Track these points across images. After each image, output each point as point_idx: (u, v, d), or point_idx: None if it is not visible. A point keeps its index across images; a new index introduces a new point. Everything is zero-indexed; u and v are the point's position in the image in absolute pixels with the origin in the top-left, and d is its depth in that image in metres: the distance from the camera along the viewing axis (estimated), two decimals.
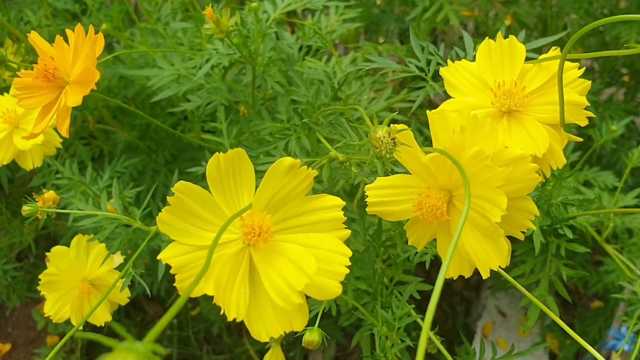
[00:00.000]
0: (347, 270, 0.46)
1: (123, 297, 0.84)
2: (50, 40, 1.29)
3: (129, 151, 1.43)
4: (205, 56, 0.89)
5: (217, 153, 0.47)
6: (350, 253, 0.47)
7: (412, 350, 0.87)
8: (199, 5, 1.01)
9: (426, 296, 0.87)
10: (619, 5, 1.67)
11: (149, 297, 1.89)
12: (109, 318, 0.83)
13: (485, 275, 0.52)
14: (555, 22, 1.57)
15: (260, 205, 0.48)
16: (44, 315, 0.84)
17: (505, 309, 1.89)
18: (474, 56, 0.77)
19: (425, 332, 0.31)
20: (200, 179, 1.16)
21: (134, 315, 1.91)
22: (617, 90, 1.73)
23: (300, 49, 1.12)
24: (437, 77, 0.80)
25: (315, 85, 0.94)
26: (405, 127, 0.53)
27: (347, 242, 0.49)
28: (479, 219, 0.51)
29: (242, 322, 1.53)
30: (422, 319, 0.85)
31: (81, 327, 0.85)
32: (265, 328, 0.47)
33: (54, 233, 1.62)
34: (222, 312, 0.44)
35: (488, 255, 0.52)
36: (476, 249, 0.52)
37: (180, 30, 1.20)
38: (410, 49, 1.49)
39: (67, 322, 1.87)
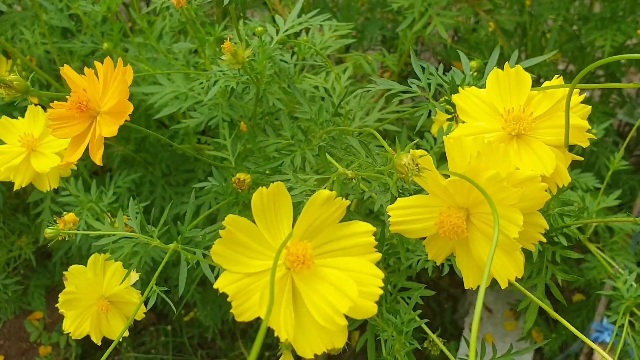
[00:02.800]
0: (382, 291, 0.51)
1: (140, 312, 0.87)
2: (47, 58, 1.30)
3: (125, 164, 1.45)
4: (212, 78, 0.92)
5: (260, 188, 0.50)
6: (382, 275, 0.51)
7: (418, 352, 0.92)
8: (198, 24, 1.04)
9: (423, 303, 0.92)
10: (593, 9, 1.74)
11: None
12: (126, 333, 0.86)
13: (503, 285, 0.57)
14: (535, 27, 1.64)
15: (299, 233, 0.52)
16: (64, 332, 0.86)
17: (491, 305, 1.96)
18: (471, 74, 0.82)
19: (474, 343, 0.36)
20: (204, 193, 1.19)
21: None
22: (593, 92, 1.81)
23: (296, 65, 1.15)
24: (436, 96, 0.85)
25: (318, 103, 0.98)
26: (425, 152, 0.58)
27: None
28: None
29: (235, 326, 1.56)
30: (426, 324, 0.90)
31: (99, 342, 0.89)
32: (309, 346, 0.51)
33: (50, 247, 1.64)
34: (275, 335, 0.48)
35: (506, 268, 0.57)
36: (495, 262, 0.57)
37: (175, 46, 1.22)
38: (398, 58, 1.54)
39: (61, 333, 1.87)
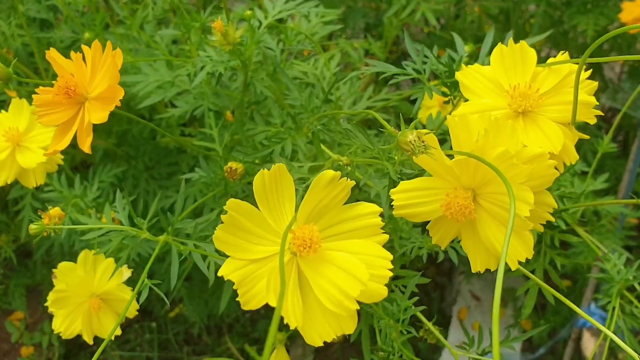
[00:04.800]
0: (391, 274, 0.49)
1: (132, 309, 0.84)
2: (25, 51, 1.26)
3: (107, 158, 1.41)
4: (199, 63, 0.89)
5: (261, 170, 0.48)
6: (391, 257, 0.50)
7: (411, 342, 0.90)
8: (185, 12, 1.01)
9: (416, 288, 0.91)
10: None
11: None
12: (118, 332, 0.83)
13: (513, 267, 0.56)
14: (518, 13, 1.63)
15: (304, 216, 0.50)
16: (51, 333, 0.83)
17: (479, 293, 1.96)
18: (465, 58, 0.81)
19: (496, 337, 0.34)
20: (191, 185, 1.16)
21: None
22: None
23: (282, 52, 1.13)
24: (431, 78, 0.83)
25: (308, 89, 0.95)
26: (429, 131, 0.56)
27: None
28: (505, 214, 0.54)
29: (222, 322, 1.53)
30: (421, 312, 0.89)
31: (92, 341, 0.86)
32: (318, 333, 0.49)
33: (30, 245, 1.59)
34: (285, 322, 0.46)
35: (515, 248, 0.55)
36: (503, 243, 0.55)
37: (158, 37, 1.19)
38: (383, 45, 1.52)
39: (43, 333, 1.83)
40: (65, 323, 0.83)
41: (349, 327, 0.48)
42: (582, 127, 1.69)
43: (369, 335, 0.94)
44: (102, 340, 0.85)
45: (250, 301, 0.47)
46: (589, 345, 1.49)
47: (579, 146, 1.67)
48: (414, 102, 0.86)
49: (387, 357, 0.83)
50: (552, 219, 0.57)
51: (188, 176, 0.99)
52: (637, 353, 1.13)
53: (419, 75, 0.80)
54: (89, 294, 0.84)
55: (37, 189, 1.24)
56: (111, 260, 0.83)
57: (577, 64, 0.57)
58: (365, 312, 0.89)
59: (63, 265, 0.83)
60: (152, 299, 1.71)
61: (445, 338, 1.95)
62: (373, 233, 0.52)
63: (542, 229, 0.58)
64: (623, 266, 1.13)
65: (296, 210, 0.50)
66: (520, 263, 0.75)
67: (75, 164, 1.58)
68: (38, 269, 1.71)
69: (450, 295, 2.02)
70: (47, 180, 1.05)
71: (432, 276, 2.08)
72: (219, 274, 0.47)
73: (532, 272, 0.85)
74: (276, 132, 0.93)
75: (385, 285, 0.94)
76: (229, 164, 0.82)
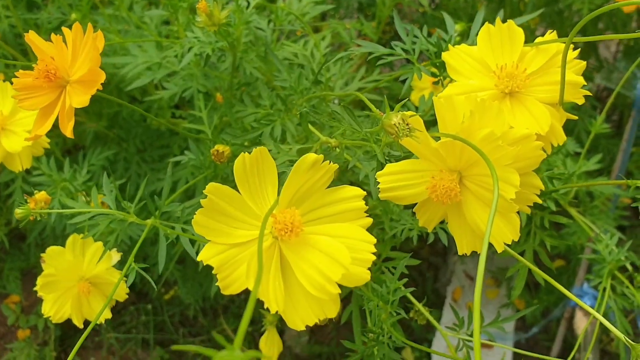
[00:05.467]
0: (374, 257, 0.49)
1: (122, 293, 0.84)
2: (12, 32, 1.24)
3: (98, 141, 1.40)
4: (187, 45, 0.88)
5: (242, 153, 0.48)
6: (374, 240, 0.49)
7: (401, 323, 0.91)
8: None
9: (405, 273, 0.91)
10: None
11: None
12: (109, 315, 0.83)
13: (500, 249, 0.55)
14: None
15: (286, 200, 0.49)
16: (43, 316, 0.83)
17: (473, 272, 1.96)
18: (455, 37, 0.80)
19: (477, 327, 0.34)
20: (181, 168, 1.15)
21: None
22: None
23: (273, 32, 1.11)
24: (421, 59, 0.82)
25: (297, 70, 0.94)
26: (414, 113, 0.55)
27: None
28: (491, 197, 0.53)
29: (217, 303, 1.53)
30: (412, 294, 0.89)
31: (82, 325, 0.85)
32: (300, 317, 0.48)
33: (23, 228, 1.59)
34: (265, 307, 0.45)
35: (502, 231, 0.55)
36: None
37: (148, 17, 1.18)
38: (376, 26, 1.51)
39: (39, 316, 1.83)
40: (55, 307, 0.83)
41: (332, 311, 0.48)
42: (577, 106, 1.69)
43: (359, 316, 0.94)
44: (97, 322, 0.85)
45: (230, 286, 0.47)
46: (582, 324, 1.49)
47: (573, 126, 1.67)
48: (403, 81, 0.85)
49: (376, 339, 0.84)
50: (539, 201, 0.57)
51: (177, 159, 0.98)
52: (627, 333, 1.14)
53: (408, 56, 0.79)
54: (78, 278, 0.83)
55: (28, 172, 1.23)
56: (100, 244, 0.83)
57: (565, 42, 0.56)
58: (356, 293, 0.89)
59: (52, 250, 0.83)
60: (147, 281, 1.72)
61: (439, 318, 1.96)
62: (357, 217, 0.51)
63: (529, 211, 0.58)
64: (615, 246, 1.13)
65: (279, 194, 0.50)
66: (510, 244, 0.76)
67: (67, 147, 1.57)
68: (32, 252, 1.71)
69: (444, 275, 2.03)
70: (36, 164, 1.04)
71: (426, 256, 2.09)
72: (198, 258, 0.47)
73: (522, 253, 0.85)
74: (265, 114, 0.92)
75: (374, 267, 0.94)
76: (216, 146, 0.81)
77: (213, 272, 0.46)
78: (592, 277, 1.22)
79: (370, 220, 0.51)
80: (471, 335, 0.88)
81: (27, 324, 1.85)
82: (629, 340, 0.55)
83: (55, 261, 0.82)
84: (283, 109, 0.91)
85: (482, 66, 0.61)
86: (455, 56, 0.62)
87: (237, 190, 0.49)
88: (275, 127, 0.89)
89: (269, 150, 0.81)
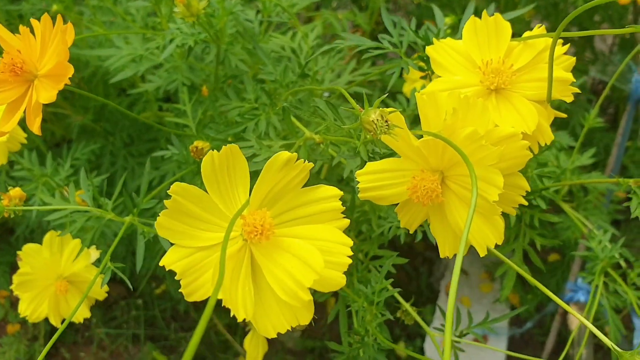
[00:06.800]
0: (350, 260, 0.46)
1: (101, 292, 0.82)
2: None
3: (84, 135, 1.37)
4: (169, 36, 0.86)
5: (211, 151, 0.45)
6: (351, 243, 0.47)
7: (388, 324, 0.89)
8: None
9: (399, 268, 0.89)
10: None
11: (112, 279, 1.85)
12: (88, 314, 0.81)
13: (482, 253, 0.53)
14: None
15: (257, 201, 0.47)
16: (20, 316, 0.81)
17: (467, 267, 1.94)
18: (445, 30, 0.78)
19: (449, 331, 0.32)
20: (167, 162, 1.13)
21: None
22: (568, 50, 1.77)
23: (261, 23, 1.09)
24: (409, 52, 0.80)
25: (283, 63, 0.92)
26: (395, 109, 0.53)
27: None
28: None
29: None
30: (399, 293, 0.87)
31: (59, 324, 0.83)
32: (272, 324, 0.46)
33: (10, 222, 1.57)
34: (231, 314, 0.43)
35: (484, 234, 0.53)
36: (473, 228, 0.53)
37: (134, 8, 1.15)
38: (369, 17, 1.48)
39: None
40: (32, 306, 0.81)
41: (305, 318, 0.46)
42: (572, 100, 1.66)
43: (346, 316, 0.92)
44: (87, 318, 0.83)
45: (194, 292, 0.44)
46: (575, 319, 1.48)
47: (567, 120, 1.65)
48: (401, 75, 0.82)
49: (361, 340, 0.82)
50: (525, 202, 0.54)
51: (160, 154, 0.96)
52: (620, 332, 1.12)
53: (395, 49, 0.77)
54: (56, 277, 0.81)
55: (12, 166, 1.20)
56: (77, 241, 0.81)
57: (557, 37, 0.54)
58: (341, 293, 0.86)
59: (28, 247, 0.81)
60: (138, 276, 1.70)
61: (433, 313, 1.94)
62: (333, 218, 0.49)
63: (514, 212, 0.56)
64: (608, 242, 1.12)
65: (251, 194, 0.48)
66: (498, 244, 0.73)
67: (56, 141, 1.54)
68: (20, 246, 1.68)
69: (438, 270, 2.01)
70: (17, 158, 1.02)
71: (421, 251, 2.07)
72: (161, 263, 0.44)
73: (512, 252, 0.83)
74: (250, 108, 0.90)
75: (362, 265, 0.92)
76: (195, 142, 0.79)
77: (176, 277, 0.44)
78: (584, 274, 1.20)
79: (347, 222, 0.49)
80: (459, 336, 0.87)
81: (16, 319, 1.83)
82: (617, 349, 0.53)
83: (32, 259, 0.80)
84: (268, 103, 0.89)
85: (467, 61, 0.59)
86: (440, 50, 0.59)
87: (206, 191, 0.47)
88: (260, 121, 0.87)
89: (251, 147, 0.79)
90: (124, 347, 1.86)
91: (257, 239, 0.45)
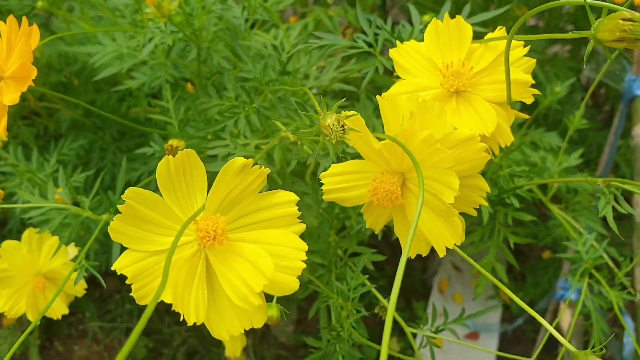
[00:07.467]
0: (304, 265, 0.47)
1: (80, 288, 0.82)
2: None
3: (74, 129, 1.38)
4: (148, 35, 0.86)
5: (165, 156, 0.45)
6: (306, 247, 0.47)
7: (366, 320, 0.89)
8: None
9: (378, 266, 0.89)
10: None
11: (106, 272, 1.86)
12: (65, 311, 0.82)
13: (441, 253, 0.54)
14: None
15: (213, 206, 0.47)
16: None
17: (459, 263, 1.94)
18: (421, 30, 0.77)
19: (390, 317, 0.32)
20: (157, 158, 1.13)
21: (92, 292, 1.88)
22: (563, 47, 1.76)
23: (247, 20, 1.09)
24: (385, 51, 0.80)
25: (263, 61, 0.92)
26: (356, 113, 0.53)
27: (301, 217, 0.49)
28: (432, 200, 0.51)
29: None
30: (376, 288, 0.87)
31: (38, 322, 0.84)
32: (226, 328, 0.47)
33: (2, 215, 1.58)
34: (182, 318, 0.44)
35: (443, 234, 0.53)
36: (431, 229, 0.53)
37: (122, 5, 1.15)
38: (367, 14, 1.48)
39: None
40: (10, 303, 0.81)
41: (259, 321, 0.46)
42: (565, 99, 1.64)
43: (326, 313, 0.93)
44: (82, 311, 0.84)
45: (146, 296, 0.45)
46: (565, 317, 1.48)
47: (559, 120, 1.63)
48: (390, 73, 0.82)
49: (337, 336, 0.82)
50: (485, 203, 0.54)
51: (142, 151, 0.96)
52: (605, 333, 1.12)
53: (370, 49, 0.77)
54: (34, 273, 0.82)
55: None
56: (56, 238, 0.81)
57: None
58: (320, 289, 0.87)
59: (7, 244, 0.81)
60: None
61: (425, 309, 1.95)
62: (289, 223, 0.49)
63: (475, 213, 0.56)
64: (595, 242, 1.11)
65: None
66: (472, 243, 0.74)
67: (49, 136, 1.55)
68: (13, 239, 1.69)
69: (432, 265, 2.01)
70: (2, 154, 1.02)
71: None
72: (113, 267, 0.45)
73: (486, 250, 0.83)
74: (230, 107, 0.90)
75: (340, 262, 0.92)
76: (170, 141, 0.79)
77: (127, 281, 0.44)
78: (568, 276, 1.20)
79: (303, 227, 0.49)
80: (435, 332, 0.87)
81: None
82: (571, 348, 0.53)
83: (11, 256, 0.80)
84: (248, 101, 0.89)
85: (429, 64, 0.58)
86: (403, 53, 0.59)
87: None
88: (240, 120, 0.87)
89: (226, 146, 0.79)
90: (118, 341, 1.87)
91: (210, 244, 0.45)
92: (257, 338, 1.92)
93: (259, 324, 0.47)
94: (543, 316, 1.64)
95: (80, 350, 1.83)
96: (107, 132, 1.35)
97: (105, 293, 1.94)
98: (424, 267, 2.03)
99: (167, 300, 0.43)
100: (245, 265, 0.45)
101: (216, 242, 0.45)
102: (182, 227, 0.42)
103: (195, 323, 0.44)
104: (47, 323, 1.86)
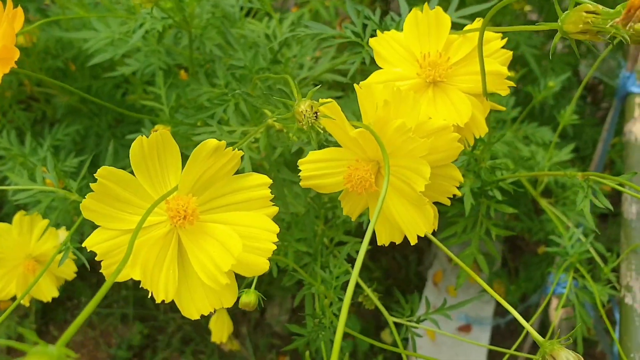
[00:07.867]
0: (275, 247, 0.48)
1: (70, 271, 0.83)
2: None
3: (70, 115, 1.39)
4: (139, 21, 0.87)
5: (139, 137, 0.46)
6: (277, 229, 0.48)
7: (377, 310, 0.90)
8: None
9: (374, 257, 0.90)
10: None
11: None
12: (55, 294, 0.83)
13: (413, 241, 0.54)
14: None
15: (186, 187, 0.48)
16: None
17: (455, 255, 1.95)
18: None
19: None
20: None
21: (89, 277, 1.90)
22: (563, 42, 1.76)
23: (242, 8, 1.09)
24: None
25: (253, 49, 0.92)
26: (332, 100, 0.54)
27: (287, 205, 0.50)
28: (405, 188, 0.52)
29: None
30: (371, 279, 0.88)
31: (28, 303, 0.85)
32: (196, 306, 0.48)
33: None
34: (150, 294, 0.45)
35: (415, 222, 0.54)
36: (403, 216, 0.54)
37: None
38: (359, 3, 1.48)
39: None
40: (0, 285, 0.83)
41: (228, 300, 0.47)
42: (564, 94, 1.64)
43: (312, 300, 0.94)
44: (78, 296, 0.85)
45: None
46: (555, 311, 1.49)
47: (554, 115, 1.63)
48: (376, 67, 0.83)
49: (319, 323, 0.83)
50: (459, 193, 0.55)
51: (133, 136, 0.97)
52: (589, 328, 1.12)
53: (357, 39, 0.77)
54: (25, 256, 0.83)
55: None
56: (46, 221, 0.82)
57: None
58: (301, 278, 0.88)
59: None
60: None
61: (419, 301, 1.96)
62: (262, 205, 0.50)
63: (449, 202, 0.57)
64: (582, 236, 1.12)
65: None
66: (453, 234, 0.74)
67: (47, 122, 1.56)
68: (9, 222, 1.71)
69: (427, 258, 2.02)
70: None
71: None
72: (84, 244, 0.46)
73: (469, 241, 0.84)
74: (220, 94, 0.91)
75: (326, 251, 0.93)
76: (156, 126, 0.80)
77: (96, 258, 0.45)
78: (553, 269, 1.21)
79: (276, 209, 0.50)
80: (417, 322, 0.88)
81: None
82: (539, 337, 0.54)
83: (1, 238, 0.81)
84: (237, 88, 0.90)
85: (408, 54, 0.59)
86: (383, 43, 0.60)
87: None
88: (229, 107, 0.88)
89: (213, 132, 0.80)
90: (114, 327, 1.89)
91: (180, 223, 0.46)
92: (252, 327, 1.94)
93: (228, 304, 0.47)
94: (536, 310, 1.65)
95: (76, 335, 1.85)
96: (103, 119, 1.36)
97: (103, 279, 1.95)
98: (419, 259, 2.04)
99: (136, 277, 0.44)
100: (215, 245, 0.46)
101: (186, 221, 0.46)
102: (151, 205, 0.43)
103: (163, 301, 0.45)
104: (43, 308, 1.87)
